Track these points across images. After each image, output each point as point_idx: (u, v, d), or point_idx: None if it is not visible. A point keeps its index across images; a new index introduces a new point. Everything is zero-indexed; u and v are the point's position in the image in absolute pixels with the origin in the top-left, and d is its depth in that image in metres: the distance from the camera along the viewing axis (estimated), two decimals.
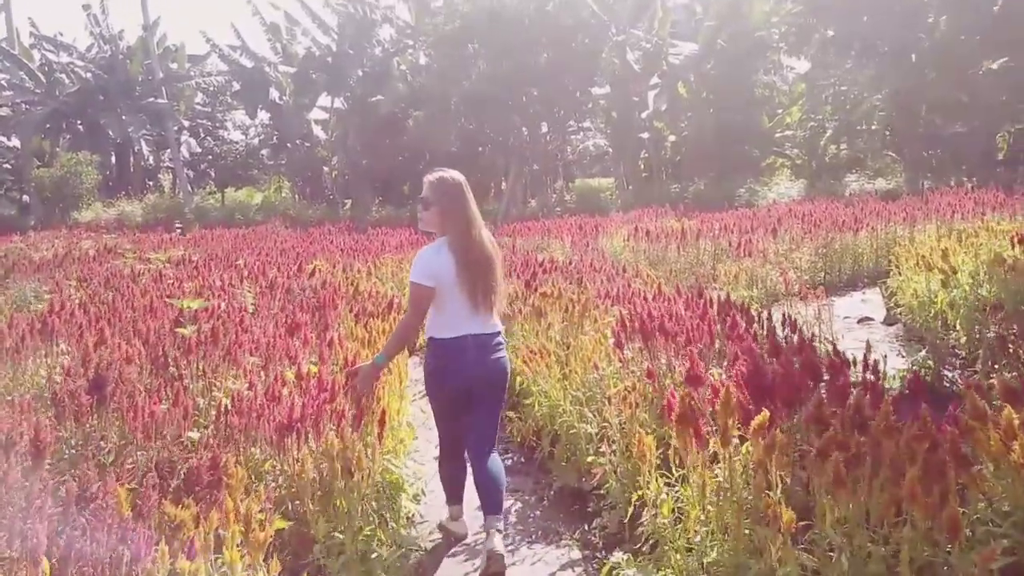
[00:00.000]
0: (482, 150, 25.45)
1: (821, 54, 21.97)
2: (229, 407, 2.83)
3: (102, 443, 2.68)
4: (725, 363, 3.48)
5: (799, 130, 27.93)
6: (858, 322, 7.88)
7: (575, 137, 29.24)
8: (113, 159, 33.01)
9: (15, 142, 32.33)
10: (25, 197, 31.40)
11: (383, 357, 3.28)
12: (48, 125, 31.11)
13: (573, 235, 11.74)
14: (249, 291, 5.07)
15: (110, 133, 29.82)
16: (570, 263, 6.94)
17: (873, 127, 25.60)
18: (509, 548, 3.35)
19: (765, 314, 4.68)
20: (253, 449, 2.79)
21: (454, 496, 3.46)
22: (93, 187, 28.33)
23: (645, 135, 26.45)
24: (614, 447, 3.24)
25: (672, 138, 26.70)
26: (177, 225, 23.76)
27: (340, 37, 28.71)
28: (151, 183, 34.04)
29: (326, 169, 31.29)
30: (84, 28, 32.25)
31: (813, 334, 4.91)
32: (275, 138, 32.25)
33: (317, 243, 11.93)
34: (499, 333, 3.27)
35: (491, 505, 3.14)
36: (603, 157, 30.73)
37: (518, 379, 4.47)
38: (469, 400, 3.21)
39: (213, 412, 2.94)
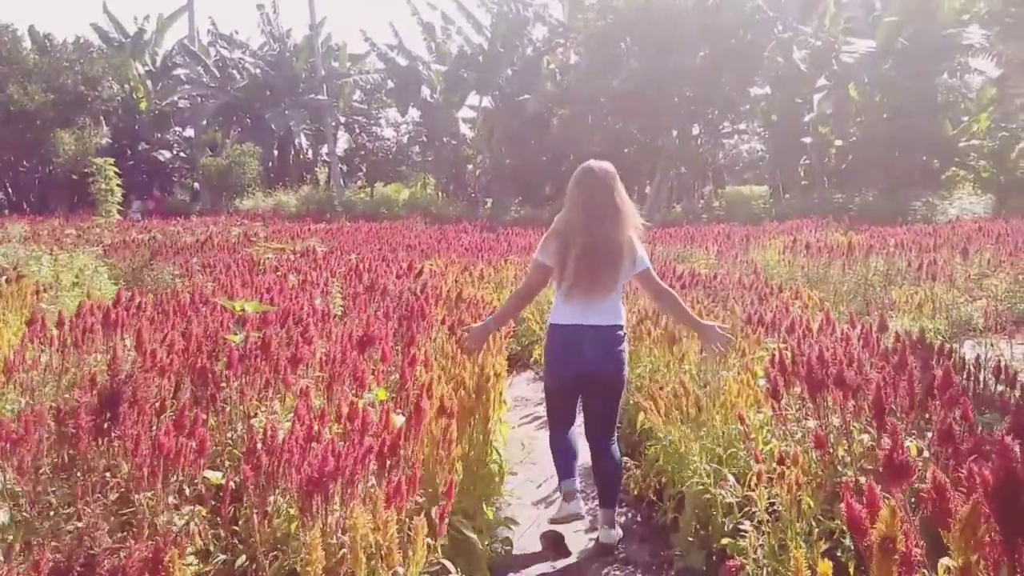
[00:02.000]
0: (627, 151, 24.41)
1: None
2: (259, 445, 2.22)
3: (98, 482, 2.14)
4: (930, 435, 2.50)
5: (987, 140, 24.83)
6: None
7: (728, 141, 27.56)
8: (275, 151, 34.78)
9: (190, 132, 34.87)
10: (196, 184, 33.75)
11: (494, 321, 3.40)
12: (220, 118, 33.25)
13: (720, 244, 10.61)
14: (339, 291, 4.55)
15: (273, 127, 31.36)
16: (715, 277, 5.97)
17: None
18: None
19: (969, 357, 3.60)
20: (283, 502, 2.17)
21: (567, 468, 3.25)
22: (255, 177, 29.91)
23: (807, 140, 24.42)
24: (761, 541, 2.35)
25: (838, 143, 24.47)
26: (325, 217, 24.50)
27: (492, 36, 28.66)
28: (308, 175, 35.62)
29: (470, 167, 31.40)
30: (257, 27, 34.25)
31: None
32: (424, 135, 32.75)
33: (446, 240, 11.52)
34: (620, 326, 3.22)
35: (607, 498, 3.21)
36: (758, 163, 28.81)
37: (639, 418, 3.63)
38: (583, 388, 3.24)
39: (242, 447, 2.34)
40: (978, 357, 3.72)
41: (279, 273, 6.02)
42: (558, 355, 3.21)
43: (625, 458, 3.99)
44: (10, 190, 32.54)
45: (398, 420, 2.62)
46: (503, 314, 3.48)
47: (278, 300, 3.84)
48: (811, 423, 2.82)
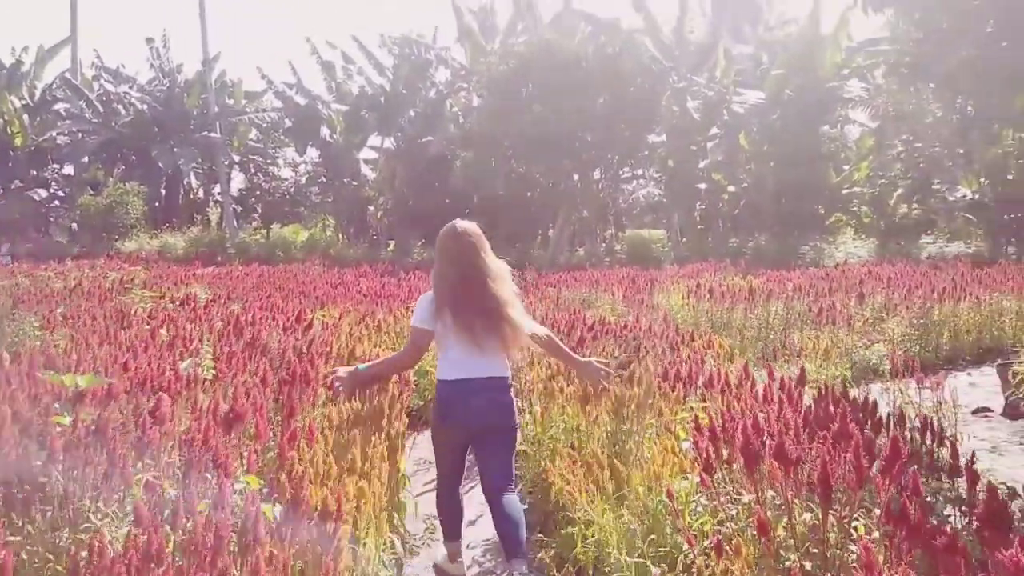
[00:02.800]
0: (530, 195, 24.49)
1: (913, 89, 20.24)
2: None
3: None
4: (875, 511, 2.24)
5: (867, 187, 26.40)
6: (973, 413, 6.48)
7: (627, 186, 28.16)
8: (163, 191, 33.08)
9: (69, 170, 32.72)
10: (74, 225, 31.59)
11: (366, 367, 3.35)
12: (103, 155, 31.37)
13: (625, 289, 10.53)
14: (209, 350, 4.00)
15: (161, 165, 29.82)
16: (624, 325, 5.75)
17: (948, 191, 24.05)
18: None
19: (881, 404, 3.45)
20: None
21: (452, 532, 3.38)
22: (139, 217, 28.24)
23: (702, 186, 25.23)
24: None
25: (731, 189, 25.40)
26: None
27: (394, 77, 28.40)
28: (199, 216, 34.00)
29: (372, 209, 30.78)
30: (146, 61, 32.74)
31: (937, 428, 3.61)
32: (324, 176, 31.94)
33: (344, 286, 10.95)
34: (506, 377, 3.27)
35: (512, 548, 3.00)
36: (656, 207, 29.55)
37: (552, 491, 3.26)
38: (473, 442, 3.25)
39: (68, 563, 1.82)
40: (902, 412, 3.58)
41: (148, 327, 5.37)
42: (446, 410, 3.20)
43: (539, 535, 3.61)
44: None
45: (270, 513, 2.17)
46: (377, 372, 3.43)
47: (132, 364, 3.28)
48: (746, 498, 2.53)
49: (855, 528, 2.22)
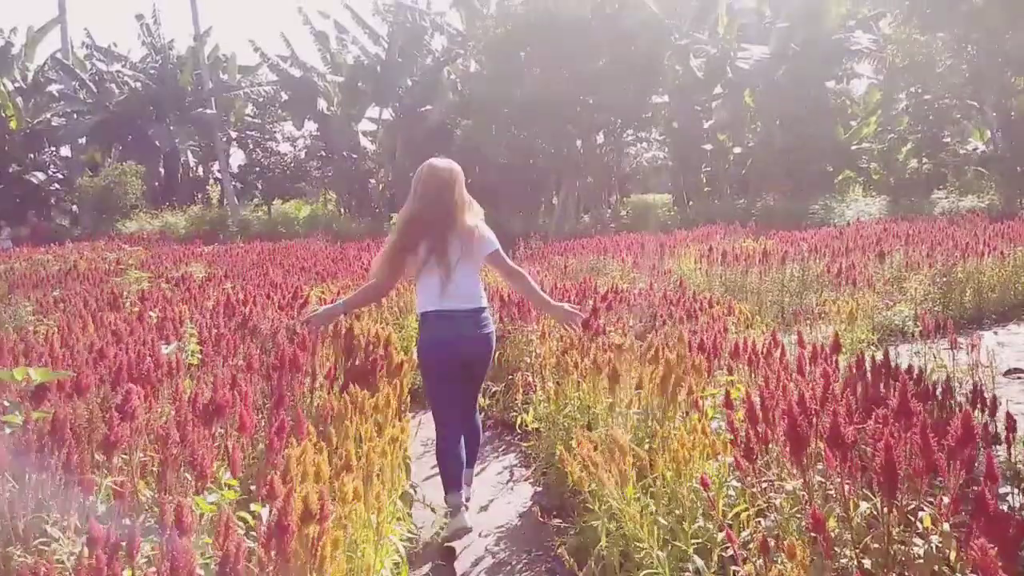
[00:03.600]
0: (533, 162, 24.02)
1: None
2: None
3: None
4: (942, 499, 1.96)
5: (876, 143, 25.85)
6: (1004, 375, 6.19)
7: (631, 150, 27.64)
8: (161, 170, 32.67)
9: (67, 152, 32.32)
10: (75, 207, 31.25)
11: (344, 305, 3.57)
12: (99, 135, 30.93)
13: (635, 255, 10.22)
14: (193, 334, 3.72)
15: (157, 144, 29.41)
16: (639, 293, 5.45)
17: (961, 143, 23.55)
18: None
19: (914, 366, 3.17)
20: None
21: (453, 480, 3.33)
22: (139, 198, 27.90)
23: (708, 147, 24.71)
24: None
25: (737, 150, 24.88)
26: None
27: (390, 46, 27.78)
28: (199, 195, 33.63)
29: (372, 182, 30.35)
30: (137, 38, 32.14)
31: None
32: (323, 150, 31.47)
33: (346, 260, 10.66)
34: (483, 309, 3.44)
35: (469, 459, 3.50)
36: (661, 171, 29.05)
37: (569, 479, 2.99)
38: (457, 370, 3.39)
39: None
40: (948, 381, 3.30)
41: (135, 310, 5.10)
42: (430, 343, 3.37)
43: (556, 519, 3.37)
44: None
45: (262, 514, 1.91)
46: (354, 302, 3.66)
47: (111, 352, 3.00)
48: (790, 485, 2.25)
49: (920, 520, 1.94)
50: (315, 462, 2.22)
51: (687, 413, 3.11)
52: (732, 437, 2.53)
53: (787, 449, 2.12)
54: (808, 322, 6.23)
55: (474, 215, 3.44)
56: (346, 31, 28.73)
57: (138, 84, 30.57)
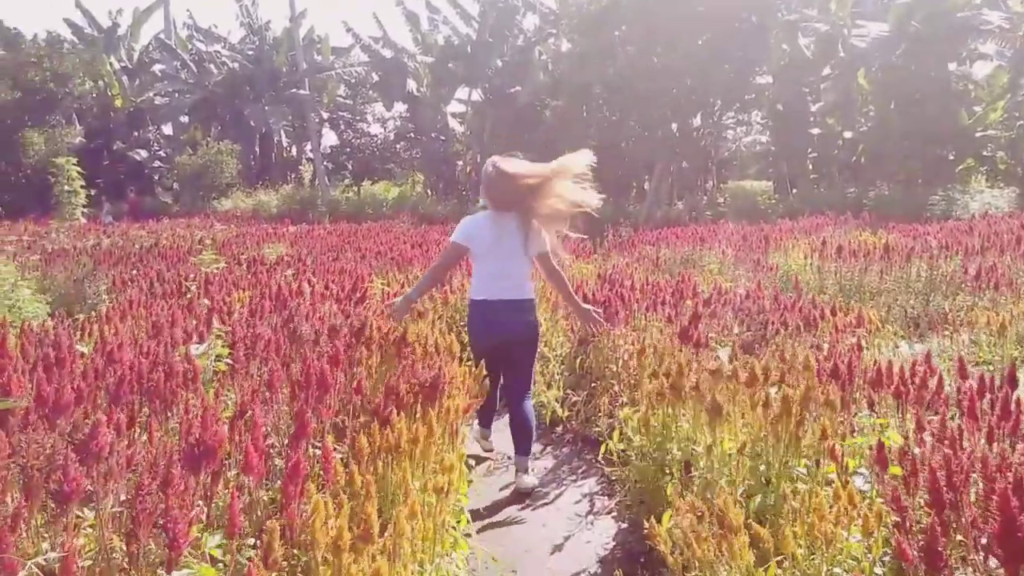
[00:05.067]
0: (625, 144, 23.05)
1: None
2: None
3: None
4: None
5: (1002, 129, 23.55)
6: None
7: (730, 133, 26.21)
8: (257, 149, 33.37)
9: (169, 130, 33.44)
10: (175, 185, 32.31)
11: (415, 292, 3.85)
12: (200, 114, 31.81)
13: (736, 247, 9.34)
14: (220, 334, 3.23)
15: (252, 123, 29.98)
16: (746, 294, 4.70)
17: None
18: None
19: None
20: None
21: (485, 423, 4.13)
22: (234, 176, 28.52)
23: (815, 131, 23.12)
24: None
25: (847, 135, 23.17)
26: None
27: (481, 26, 27.26)
28: (292, 175, 34.20)
29: (460, 164, 30.04)
30: (236, 19, 32.83)
31: None
32: (411, 131, 31.39)
33: (426, 244, 10.21)
34: (531, 300, 3.81)
35: (521, 447, 3.78)
36: (762, 156, 27.50)
37: (663, 549, 2.32)
38: (503, 354, 3.76)
39: None
40: None
41: (190, 296, 4.73)
42: (478, 326, 3.75)
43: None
44: None
45: None
46: (422, 288, 3.95)
47: (128, 352, 2.54)
48: None
49: None
50: (336, 526, 1.67)
51: (818, 463, 2.40)
52: (898, 519, 1.83)
53: (1004, 564, 1.41)
54: (947, 332, 5.32)
55: (537, 214, 3.64)
56: (437, 11, 28.41)
57: (235, 64, 31.20)
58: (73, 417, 2.08)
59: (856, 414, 2.79)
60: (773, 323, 4.10)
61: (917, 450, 2.22)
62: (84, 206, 20.75)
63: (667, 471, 3.02)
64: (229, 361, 2.75)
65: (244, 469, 1.89)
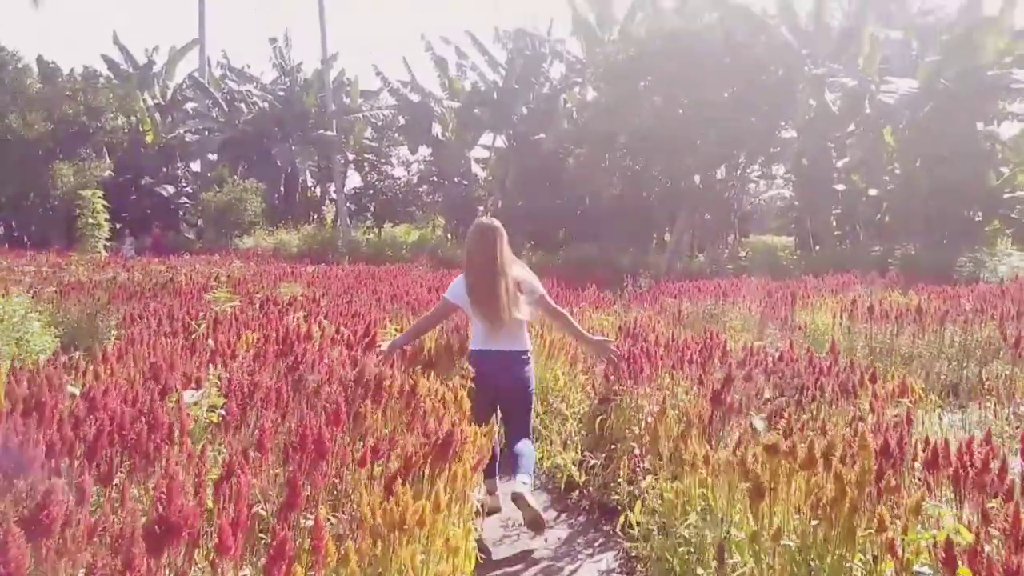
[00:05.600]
0: (647, 195, 22.96)
1: None
2: None
3: None
4: None
5: None
6: None
7: (753, 186, 26.06)
8: (282, 188, 33.69)
9: (197, 167, 33.90)
10: (200, 221, 32.61)
11: (399, 340, 4.25)
12: (227, 152, 32.23)
13: (763, 304, 9.07)
14: (215, 382, 3.02)
15: (279, 163, 30.32)
16: (779, 356, 4.43)
17: None
18: None
19: None
20: None
21: (488, 471, 3.90)
22: (257, 214, 28.73)
23: (840, 187, 22.91)
24: None
25: (872, 192, 22.92)
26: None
27: (508, 73, 27.57)
28: (315, 214, 34.43)
29: (481, 209, 30.09)
30: (268, 60, 33.45)
31: None
32: (434, 175, 31.59)
33: (443, 289, 10.02)
34: (525, 351, 4.11)
35: (519, 468, 3.83)
36: (784, 211, 27.28)
37: None
38: (499, 400, 4.07)
39: None
40: None
41: (195, 335, 4.55)
42: (476, 372, 3.98)
43: None
44: (12, 223, 31.51)
45: None
46: (407, 337, 4.29)
47: (112, 398, 2.34)
48: None
49: None
50: None
51: (875, 559, 2.13)
52: None
53: None
54: (990, 402, 5.01)
55: (519, 266, 4.10)
56: (466, 56, 28.78)
57: (266, 104, 31.71)
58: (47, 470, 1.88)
59: (909, 500, 2.52)
60: (808, 388, 3.84)
61: (988, 548, 1.95)
62: (107, 239, 20.88)
63: (695, 552, 2.74)
64: (223, 412, 2.53)
65: (219, 549, 1.67)
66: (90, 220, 19.98)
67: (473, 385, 3.87)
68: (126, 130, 31.27)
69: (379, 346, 4.09)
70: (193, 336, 4.56)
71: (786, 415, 3.20)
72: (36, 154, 27.19)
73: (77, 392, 3.35)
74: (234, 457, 2.08)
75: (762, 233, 32.39)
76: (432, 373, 3.77)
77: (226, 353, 3.80)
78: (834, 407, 3.73)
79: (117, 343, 4.30)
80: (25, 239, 28.96)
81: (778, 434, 2.63)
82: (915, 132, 20.87)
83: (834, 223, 24.81)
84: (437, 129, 29.73)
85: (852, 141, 22.77)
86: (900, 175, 22.06)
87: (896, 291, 10.62)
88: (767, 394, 3.99)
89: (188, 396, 2.73)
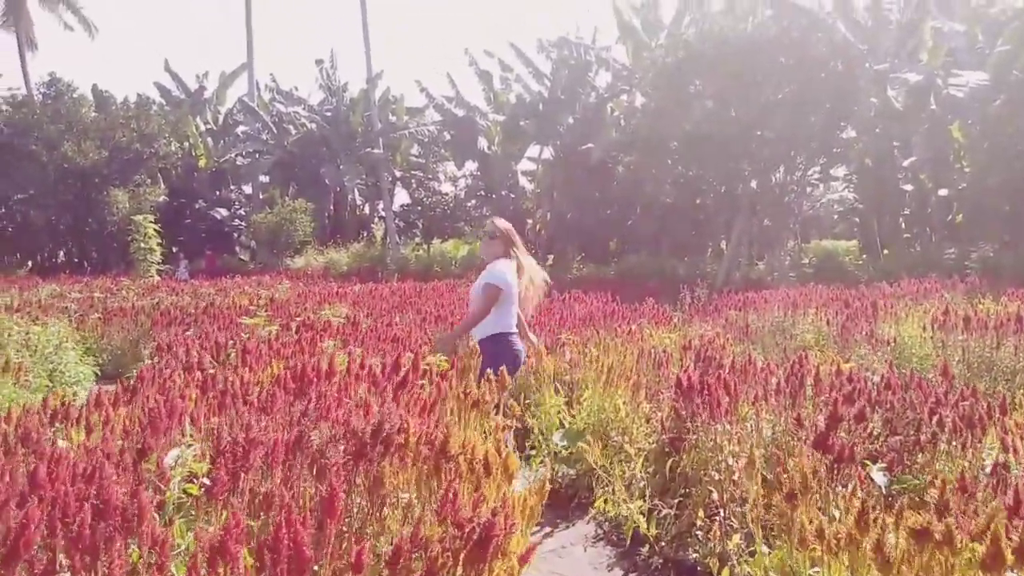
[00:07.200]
0: (700, 201, 22.13)
1: None
2: None
3: None
4: None
5: None
6: None
7: (814, 189, 24.93)
8: (331, 208, 33.78)
9: (249, 189, 34.28)
10: (253, 243, 32.88)
11: (460, 329, 4.72)
12: (277, 173, 32.48)
13: (838, 313, 8.29)
14: (196, 440, 2.51)
15: (327, 182, 30.38)
16: (886, 383, 3.75)
17: None
18: None
19: None
20: None
21: None
22: (308, 234, 28.80)
23: (908, 187, 21.72)
24: None
25: (943, 192, 21.66)
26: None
27: (553, 83, 27.08)
28: (364, 232, 34.43)
29: (530, 222, 29.61)
30: (315, 82, 33.67)
31: None
32: (481, 189, 31.25)
33: None
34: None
35: None
36: (847, 214, 26.07)
37: None
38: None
39: None
40: None
41: (223, 363, 4.11)
42: (504, 353, 4.40)
43: None
44: (73, 249, 32.27)
45: None
46: (467, 325, 4.63)
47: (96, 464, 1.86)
48: None
49: None
50: None
51: None
52: None
53: None
54: None
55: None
56: (510, 69, 28.41)
57: (313, 125, 31.87)
58: None
59: None
60: (926, 423, 3.17)
61: None
62: (160, 263, 21.05)
63: None
64: (207, 481, 2.03)
65: None
66: (142, 245, 20.16)
67: (509, 367, 4.06)
68: (179, 155, 31.78)
69: (439, 336, 4.84)
70: (214, 369, 4.11)
71: (913, 463, 2.56)
72: (93, 181, 27.75)
73: (68, 441, 2.92)
74: (202, 552, 1.56)
75: (822, 238, 31.13)
76: (473, 412, 3.20)
77: (238, 394, 3.32)
78: (963, 447, 3.05)
79: (124, 382, 3.87)
80: (85, 264, 29.60)
81: (927, 512, 2.00)
82: (986, 126, 19.61)
83: (903, 225, 23.57)
84: (483, 143, 29.39)
85: (917, 139, 21.58)
86: (970, 173, 20.77)
87: (986, 298, 9.69)
88: (874, 428, 3.33)
89: (170, 457, 2.24)
